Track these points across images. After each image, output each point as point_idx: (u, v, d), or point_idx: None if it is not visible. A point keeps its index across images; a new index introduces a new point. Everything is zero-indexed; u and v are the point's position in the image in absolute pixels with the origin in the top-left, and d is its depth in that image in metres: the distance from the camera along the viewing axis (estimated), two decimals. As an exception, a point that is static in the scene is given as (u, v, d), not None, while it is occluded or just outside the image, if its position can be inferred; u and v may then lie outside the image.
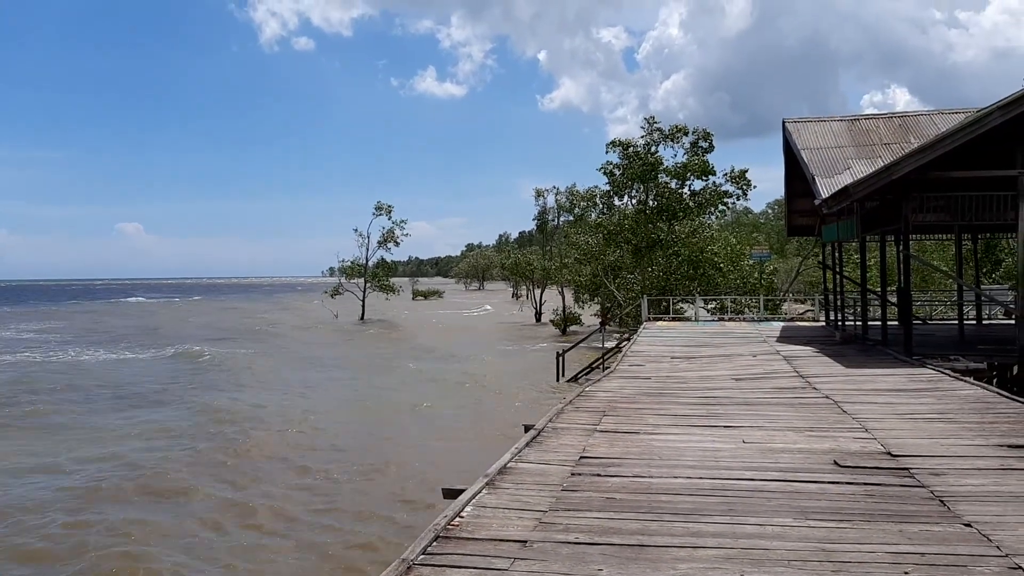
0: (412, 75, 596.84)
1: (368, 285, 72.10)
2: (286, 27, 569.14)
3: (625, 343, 26.68)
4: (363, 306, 70.25)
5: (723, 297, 37.91)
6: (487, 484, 6.90)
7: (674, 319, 32.30)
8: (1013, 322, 16.48)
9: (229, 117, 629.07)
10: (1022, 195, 15.17)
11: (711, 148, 43.69)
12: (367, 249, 72.60)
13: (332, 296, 70.82)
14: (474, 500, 6.46)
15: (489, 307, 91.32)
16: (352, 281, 72.88)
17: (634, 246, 43.01)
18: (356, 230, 73.20)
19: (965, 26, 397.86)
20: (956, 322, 23.01)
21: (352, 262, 73.06)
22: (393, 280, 76.32)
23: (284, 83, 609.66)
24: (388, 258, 74.86)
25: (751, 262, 40.81)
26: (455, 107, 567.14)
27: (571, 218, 62.84)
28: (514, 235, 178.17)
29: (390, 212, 70.82)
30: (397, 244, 72.22)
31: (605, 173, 45.07)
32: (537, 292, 68.65)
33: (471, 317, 75.27)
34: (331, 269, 76.96)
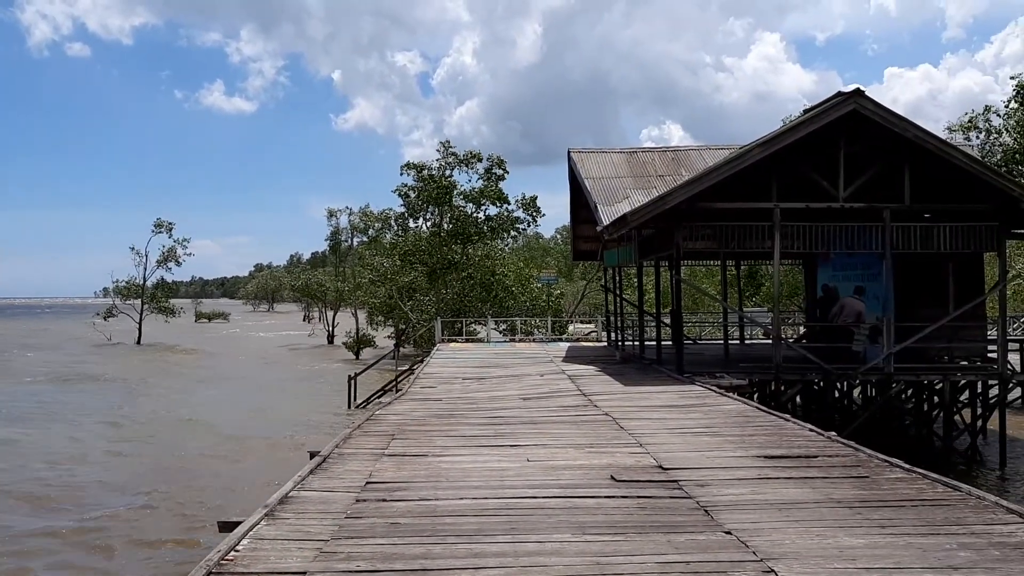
0: (198, 88, 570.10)
1: (146, 307, 67.86)
2: (59, 31, 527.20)
3: (418, 365, 26.67)
4: (139, 329, 65.90)
5: (514, 318, 38.86)
6: (266, 515, 6.60)
7: (467, 340, 32.69)
8: (770, 342, 18.01)
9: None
10: (777, 226, 16.66)
11: (505, 175, 44.90)
12: (145, 268, 68.47)
13: (105, 318, 66.06)
14: (251, 532, 6.15)
15: (278, 330, 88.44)
16: (128, 302, 68.28)
17: (429, 268, 43.26)
18: (133, 248, 68.80)
19: (731, 70, 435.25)
20: (722, 342, 24.87)
21: (128, 282, 68.55)
22: (175, 301, 72.33)
23: (55, 90, 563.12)
24: (169, 278, 71.07)
25: (540, 285, 42.21)
26: (245, 123, 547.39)
27: (365, 239, 62.31)
28: (306, 255, 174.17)
29: (171, 229, 67.22)
30: (179, 263, 68.73)
31: (400, 195, 45.15)
32: (330, 314, 67.28)
33: (258, 340, 72.50)
34: (105, 289, 71.69)
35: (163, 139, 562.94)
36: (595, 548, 5.51)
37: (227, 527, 6.99)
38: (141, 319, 66.94)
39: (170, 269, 69.29)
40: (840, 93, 16.18)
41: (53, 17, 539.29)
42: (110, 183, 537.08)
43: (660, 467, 8.17)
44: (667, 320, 20.71)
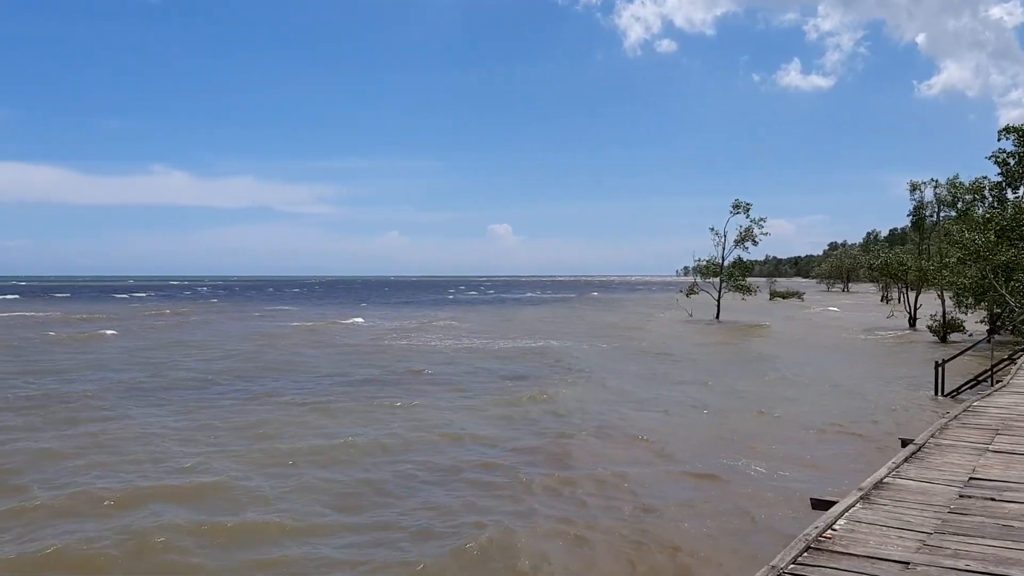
0: (775, 69, 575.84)
1: (724, 285, 71.11)
2: (649, 31, 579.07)
3: (1020, 354, 23.63)
4: (718, 305, 69.40)
5: None
6: (861, 498, 6.57)
7: (1085, 329, 27.90)
8: None
9: (592, 123, 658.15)
10: None
11: None
12: (723, 248, 71.50)
13: (687, 295, 70.86)
14: (847, 513, 6.19)
15: (853, 310, 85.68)
16: (707, 280, 72.30)
17: (1034, 244, 37.85)
18: (712, 229, 72.37)
19: None
20: None
21: (708, 261, 72.46)
22: (749, 280, 74.42)
23: (646, 87, 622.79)
24: (745, 257, 73.09)
25: None
26: (820, 99, 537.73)
27: (952, 213, 56.87)
28: (884, 233, 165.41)
29: (748, 210, 69.07)
30: (755, 243, 70.16)
31: (997, 162, 40.16)
32: (911, 295, 62.93)
33: (833, 319, 71.14)
34: (686, 268, 77.04)
35: (741, 123, 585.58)
36: None
37: (820, 505, 7.13)
38: (719, 296, 70.34)
39: (746, 248, 71.29)
40: None
41: (645, 18, 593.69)
42: (693, 167, 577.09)
43: None
44: None
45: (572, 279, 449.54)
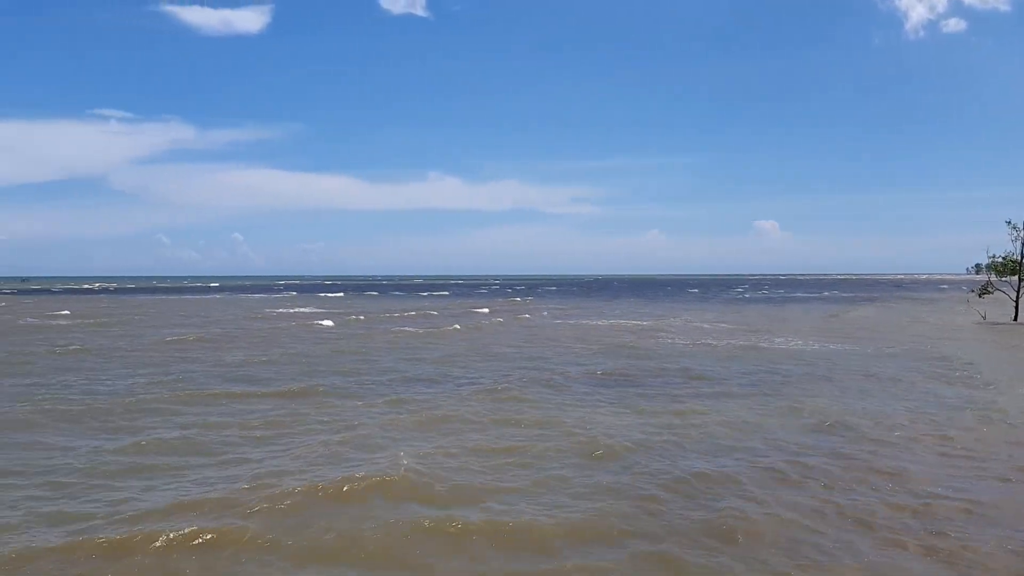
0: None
1: (1023, 284, 64.21)
2: (934, 10, 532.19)
3: None
4: (1016, 307, 62.80)
5: None
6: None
7: None
8: None
9: (867, 111, 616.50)
10: None
11: None
12: (1022, 243, 64.64)
13: (980, 295, 64.96)
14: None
15: None
16: (1004, 279, 65.60)
17: None
18: (1009, 222, 65.47)
19: None
20: None
21: (1004, 257, 65.70)
22: (1056, 278, 66.51)
23: (930, 70, 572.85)
24: (1054, 252, 65.45)
25: None
26: None
27: None
28: None
29: (1051, 201, 62.12)
30: (1056, 236, 62.84)
31: None
32: None
33: None
34: (977, 265, 70.10)
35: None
36: None
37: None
38: (1018, 297, 63.66)
39: (1054, 243, 64.01)
40: None
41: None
42: (979, 157, 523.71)
43: None
44: None
45: (855, 277, 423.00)
